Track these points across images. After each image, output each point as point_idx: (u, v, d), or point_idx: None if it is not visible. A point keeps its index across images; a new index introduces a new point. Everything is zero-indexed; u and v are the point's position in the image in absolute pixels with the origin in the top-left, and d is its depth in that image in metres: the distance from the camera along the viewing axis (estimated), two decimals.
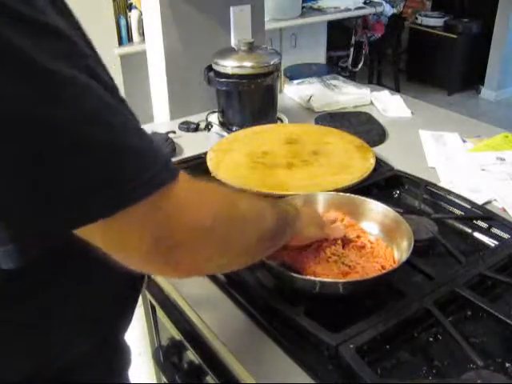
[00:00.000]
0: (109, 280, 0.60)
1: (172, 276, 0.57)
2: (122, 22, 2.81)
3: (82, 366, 0.61)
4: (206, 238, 0.48)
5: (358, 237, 0.82)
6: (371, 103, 1.54)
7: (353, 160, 1.12)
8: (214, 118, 1.40)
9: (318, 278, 0.72)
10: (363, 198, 0.88)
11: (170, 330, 0.91)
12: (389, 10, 4.03)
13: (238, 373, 0.70)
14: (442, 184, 1.07)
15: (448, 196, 1.00)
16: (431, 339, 0.69)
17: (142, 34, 2.77)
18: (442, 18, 4.55)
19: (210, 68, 1.34)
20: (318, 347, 0.66)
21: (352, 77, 3.72)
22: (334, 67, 3.73)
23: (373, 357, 0.65)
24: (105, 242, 0.44)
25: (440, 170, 1.15)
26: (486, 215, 0.94)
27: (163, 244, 0.45)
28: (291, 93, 1.63)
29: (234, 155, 1.15)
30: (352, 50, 3.98)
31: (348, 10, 3.55)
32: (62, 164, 0.39)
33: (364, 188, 1.02)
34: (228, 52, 1.32)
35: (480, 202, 1.00)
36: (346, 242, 0.81)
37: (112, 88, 0.46)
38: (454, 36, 4.40)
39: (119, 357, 0.70)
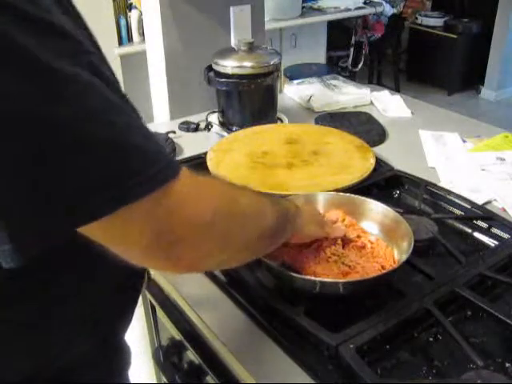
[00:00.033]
0: (109, 279, 0.60)
1: (172, 271, 0.57)
2: (122, 22, 2.82)
3: (82, 366, 0.61)
4: (206, 233, 0.48)
5: (359, 237, 0.82)
6: (371, 103, 1.54)
7: (353, 160, 1.12)
8: (214, 118, 1.40)
9: (318, 278, 0.72)
10: (363, 197, 0.88)
11: (170, 330, 0.91)
12: (389, 10, 4.03)
13: (237, 373, 0.70)
14: (442, 184, 1.07)
15: (448, 196, 1.00)
16: (431, 339, 0.69)
17: (142, 34, 2.77)
18: (442, 18, 4.55)
19: (210, 68, 1.34)
20: (318, 347, 0.66)
21: (352, 77, 3.72)
22: (334, 67, 3.73)
23: (373, 357, 0.65)
24: (105, 237, 0.44)
25: (440, 170, 1.15)
26: (486, 215, 0.94)
27: (164, 239, 0.45)
28: (291, 93, 1.63)
29: (233, 155, 1.15)
30: (352, 50, 3.98)
31: (348, 10, 3.55)
32: (64, 162, 0.39)
33: (364, 188, 1.02)
34: (228, 52, 1.32)
35: (480, 202, 1.00)
36: (346, 241, 0.81)
37: (114, 84, 0.46)
38: (454, 36, 4.40)
39: (119, 357, 0.70)
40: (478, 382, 0.59)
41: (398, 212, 0.83)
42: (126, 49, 2.80)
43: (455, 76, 4.52)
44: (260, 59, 1.29)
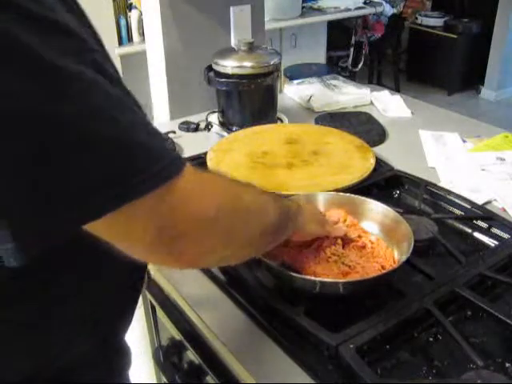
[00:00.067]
0: (112, 277, 0.60)
1: (175, 266, 0.58)
2: (122, 22, 2.82)
3: (82, 366, 0.61)
4: (209, 228, 0.48)
5: (360, 237, 0.82)
6: (371, 103, 1.54)
7: (353, 160, 1.12)
8: (214, 118, 1.40)
9: (318, 278, 0.72)
10: (363, 197, 0.88)
11: (170, 330, 0.90)
12: (389, 10, 4.03)
13: (237, 373, 0.70)
14: (442, 184, 1.07)
15: (448, 196, 1.00)
16: (431, 339, 0.69)
17: (142, 34, 2.77)
18: (442, 18, 4.55)
19: (210, 68, 1.34)
20: (318, 347, 0.66)
21: (352, 77, 3.72)
22: (334, 67, 3.73)
23: (373, 357, 0.65)
24: (110, 234, 0.44)
25: (440, 170, 1.15)
26: (486, 215, 0.94)
27: (166, 234, 0.45)
28: (291, 93, 1.63)
29: (233, 155, 1.15)
30: (352, 50, 3.98)
31: (348, 10, 3.56)
32: (69, 161, 0.39)
33: (364, 188, 1.02)
34: (228, 52, 1.32)
35: (480, 202, 1.00)
36: (346, 241, 0.81)
37: (118, 80, 0.46)
38: (454, 36, 4.40)
39: (119, 357, 0.70)
40: (478, 382, 0.59)
41: (398, 212, 0.83)
42: (126, 49, 2.80)
43: (455, 76, 4.52)
44: (260, 59, 1.29)
